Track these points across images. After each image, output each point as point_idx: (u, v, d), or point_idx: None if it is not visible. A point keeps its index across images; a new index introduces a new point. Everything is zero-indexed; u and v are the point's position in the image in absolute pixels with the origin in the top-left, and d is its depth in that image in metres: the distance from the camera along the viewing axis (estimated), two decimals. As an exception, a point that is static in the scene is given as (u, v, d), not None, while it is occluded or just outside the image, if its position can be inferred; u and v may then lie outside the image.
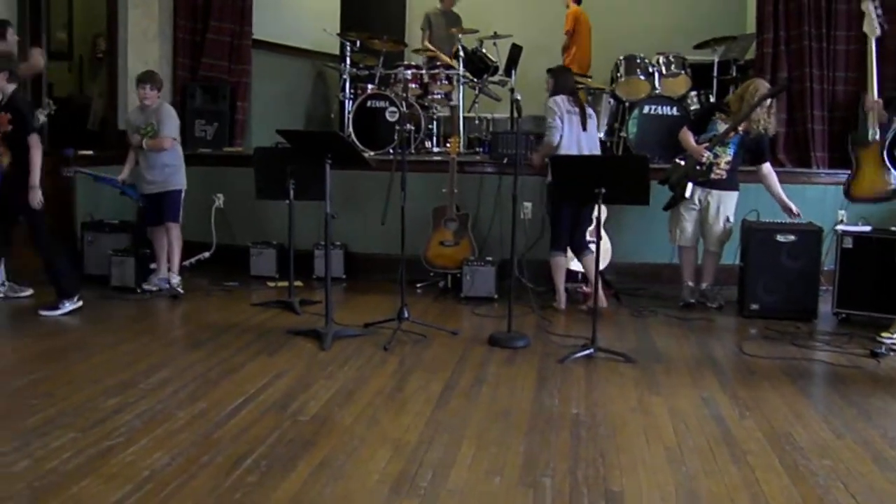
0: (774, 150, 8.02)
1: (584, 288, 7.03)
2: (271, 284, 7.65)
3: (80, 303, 6.51)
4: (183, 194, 7.20)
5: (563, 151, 6.73)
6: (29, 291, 6.94)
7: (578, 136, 6.84)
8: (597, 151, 7.07)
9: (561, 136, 6.78)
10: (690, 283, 7.03)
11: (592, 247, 5.99)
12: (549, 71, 7.28)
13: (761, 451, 3.96)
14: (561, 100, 6.87)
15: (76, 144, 8.24)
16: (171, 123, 7.07)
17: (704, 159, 6.62)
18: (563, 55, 10.61)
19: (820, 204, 7.37)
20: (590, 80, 9.41)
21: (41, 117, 6.93)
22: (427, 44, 10.20)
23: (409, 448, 3.93)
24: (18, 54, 7.14)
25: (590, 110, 7.07)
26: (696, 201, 6.79)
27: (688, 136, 6.78)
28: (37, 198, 6.27)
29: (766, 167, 6.82)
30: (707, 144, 6.65)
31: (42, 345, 5.62)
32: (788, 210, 6.73)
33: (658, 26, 10.84)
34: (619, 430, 4.22)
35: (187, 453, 3.81)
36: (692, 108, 8.55)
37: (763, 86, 6.69)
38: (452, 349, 5.65)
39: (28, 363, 5.24)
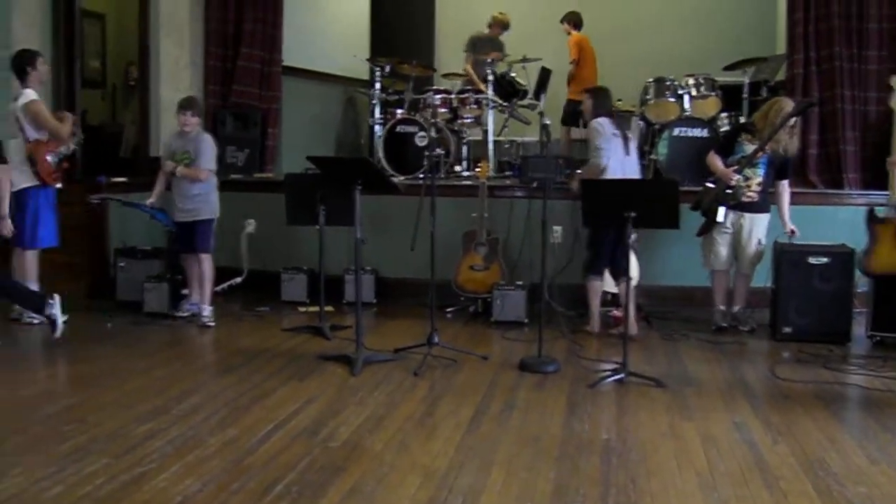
0: (806, 171, 7.99)
1: (615, 311, 7.00)
2: (302, 309, 7.67)
3: (56, 297, 6.42)
4: (214, 223, 7.20)
5: (608, 175, 6.60)
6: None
7: (622, 160, 6.73)
8: (637, 176, 6.96)
9: (608, 159, 6.68)
10: (722, 307, 6.96)
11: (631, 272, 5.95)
12: (588, 91, 7.23)
13: (794, 477, 3.92)
14: (605, 122, 6.77)
15: (108, 172, 8.34)
16: (209, 154, 7.07)
17: (734, 182, 6.57)
18: (568, 85, 10.50)
19: (852, 225, 7.26)
20: (619, 102, 9.39)
21: (72, 145, 7.04)
22: (468, 67, 10.16)
23: (438, 474, 3.93)
24: (51, 84, 7.24)
25: (629, 133, 7.01)
26: (729, 225, 6.72)
27: (715, 160, 6.72)
28: (7, 227, 6.32)
29: (784, 184, 6.77)
30: (736, 167, 6.60)
31: (75, 371, 5.68)
32: (785, 227, 6.72)
33: (687, 48, 10.84)
34: (650, 456, 4.20)
35: (218, 480, 3.83)
36: (722, 129, 8.50)
37: (788, 104, 6.63)
38: (482, 374, 5.64)
39: (61, 389, 5.31)
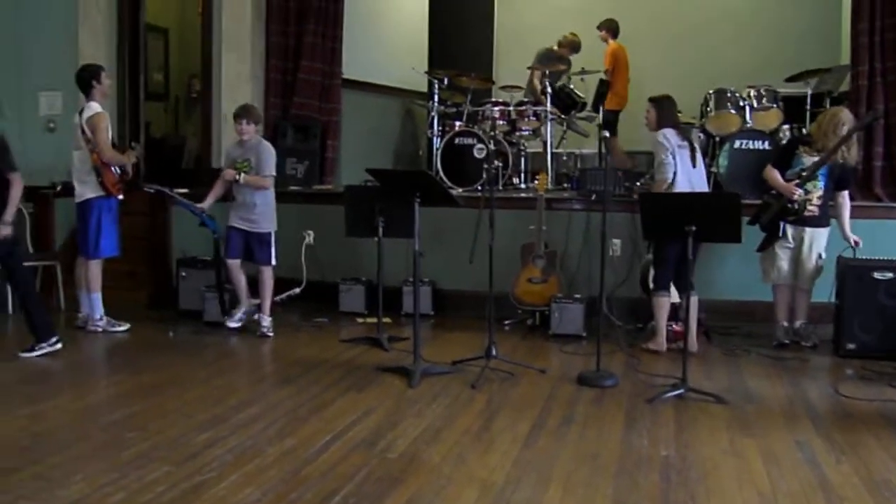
0: (871, 184, 7.85)
1: (675, 326, 6.91)
2: (360, 320, 7.71)
3: (59, 345, 6.40)
4: (273, 236, 7.19)
5: (676, 189, 6.52)
6: (126, 326, 7.12)
7: (689, 173, 6.63)
8: (705, 188, 6.87)
9: (675, 173, 6.59)
10: (785, 323, 6.84)
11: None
12: (652, 100, 6.96)
13: (858, 498, 3.84)
14: (671, 134, 6.65)
15: (171, 182, 8.46)
16: (271, 162, 7.09)
17: (797, 197, 6.46)
18: None
19: (920, 240, 7.15)
20: (679, 113, 9.28)
21: (133, 158, 7.17)
22: (536, 82, 10.05)
23: (495, 488, 3.91)
24: (115, 97, 7.36)
25: (696, 143, 6.88)
26: (790, 239, 6.62)
27: (774, 174, 6.60)
28: (2, 232, 6.24)
29: (844, 195, 6.62)
30: (797, 181, 6.49)
31: (137, 379, 5.75)
32: (847, 240, 6.57)
33: (749, 59, 10.68)
34: (710, 474, 4.14)
35: (277, 489, 3.85)
36: (783, 142, 8.37)
37: (845, 114, 6.51)
38: (540, 387, 5.62)
39: (124, 397, 5.38)
